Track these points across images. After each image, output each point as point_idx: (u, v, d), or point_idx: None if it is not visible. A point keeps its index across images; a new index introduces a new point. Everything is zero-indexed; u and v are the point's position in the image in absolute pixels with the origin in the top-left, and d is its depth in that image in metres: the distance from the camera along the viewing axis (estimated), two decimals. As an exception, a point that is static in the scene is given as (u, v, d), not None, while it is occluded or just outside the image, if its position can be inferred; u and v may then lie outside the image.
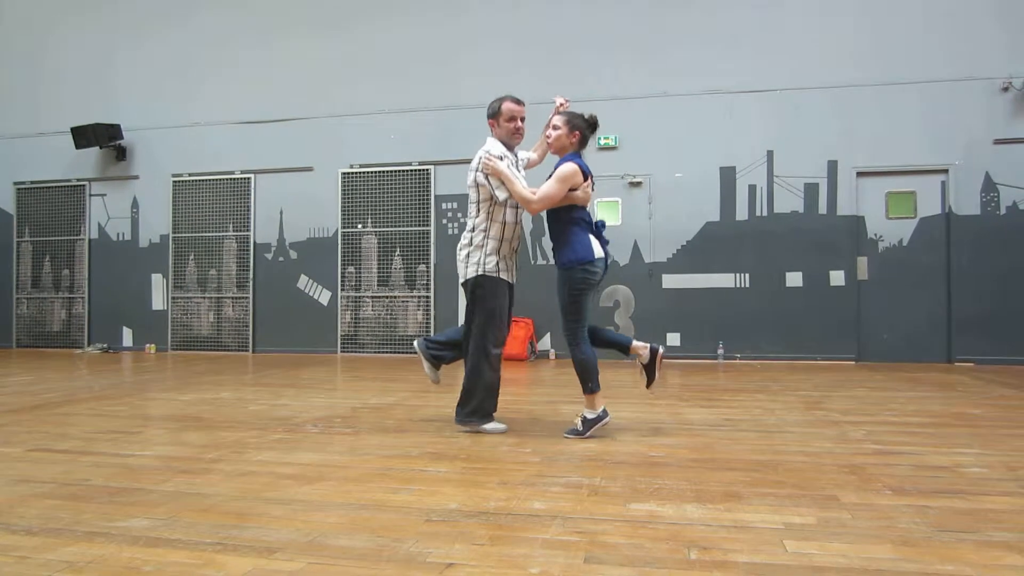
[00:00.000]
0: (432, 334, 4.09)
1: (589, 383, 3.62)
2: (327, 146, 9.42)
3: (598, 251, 3.65)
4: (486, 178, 3.69)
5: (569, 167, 3.59)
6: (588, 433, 3.61)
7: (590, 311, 3.72)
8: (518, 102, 3.81)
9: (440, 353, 4.00)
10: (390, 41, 9.28)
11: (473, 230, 3.79)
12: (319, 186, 9.44)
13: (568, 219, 3.66)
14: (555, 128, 3.71)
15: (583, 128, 3.71)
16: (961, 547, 2.00)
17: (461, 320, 8.88)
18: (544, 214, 3.73)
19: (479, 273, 3.73)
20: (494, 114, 3.82)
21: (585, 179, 3.64)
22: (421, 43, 9.19)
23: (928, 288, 7.90)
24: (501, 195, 3.67)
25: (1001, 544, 2.02)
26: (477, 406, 3.78)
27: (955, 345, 7.77)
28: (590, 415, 3.64)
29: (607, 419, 3.66)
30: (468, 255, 3.78)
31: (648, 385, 3.77)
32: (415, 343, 4.08)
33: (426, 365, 4.00)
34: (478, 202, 3.77)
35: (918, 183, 7.97)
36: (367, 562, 1.89)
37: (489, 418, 3.82)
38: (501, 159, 3.67)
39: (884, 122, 7.99)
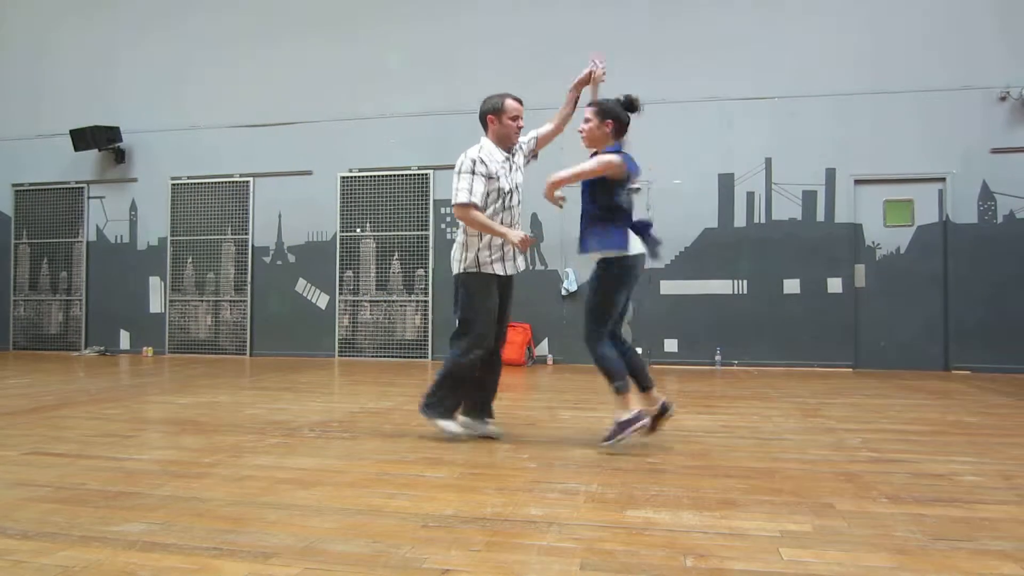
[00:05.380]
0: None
1: (615, 382, 3.32)
2: (326, 150, 9.43)
3: (636, 246, 3.35)
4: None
5: (613, 157, 3.24)
6: (623, 437, 3.31)
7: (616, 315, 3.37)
8: (519, 101, 3.63)
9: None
10: (390, 45, 9.29)
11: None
12: (318, 190, 9.44)
13: (609, 205, 3.28)
14: (586, 121, 3.41)
15: (617, 114, 3.34)
16: (957, 555, 2.00)
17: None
18: (581, 201, 3.34)
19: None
20: (496, 110, 3.55)
21: (629, 178, 3.33)
22: (421, 47, 9.20)
23: (925, 296, 7.91)
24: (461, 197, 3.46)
25: (997, 552, 2.03)
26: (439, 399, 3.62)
27: (952, 353, 7.78)
28: (623, 416, 3.33)
29: (644, 421, 3.33)
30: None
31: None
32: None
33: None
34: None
35: (916, 191, 8.00)
36: (363, 567, 1.89)
37: (449, 415, 3.62)
38: (481, 165, 3.47)
39: (882, 130, 8.01)
